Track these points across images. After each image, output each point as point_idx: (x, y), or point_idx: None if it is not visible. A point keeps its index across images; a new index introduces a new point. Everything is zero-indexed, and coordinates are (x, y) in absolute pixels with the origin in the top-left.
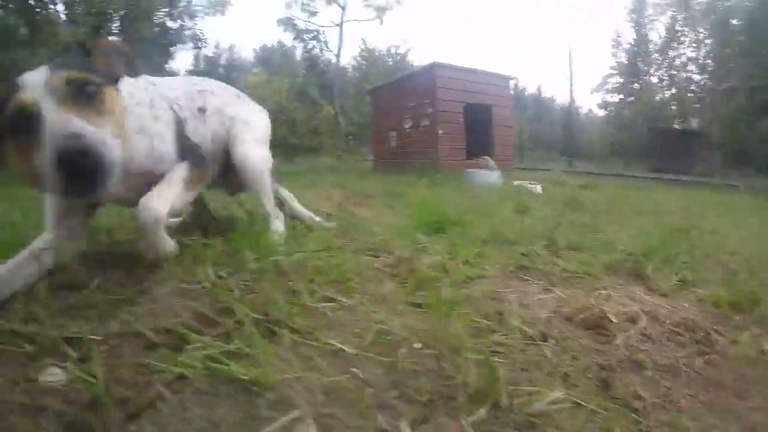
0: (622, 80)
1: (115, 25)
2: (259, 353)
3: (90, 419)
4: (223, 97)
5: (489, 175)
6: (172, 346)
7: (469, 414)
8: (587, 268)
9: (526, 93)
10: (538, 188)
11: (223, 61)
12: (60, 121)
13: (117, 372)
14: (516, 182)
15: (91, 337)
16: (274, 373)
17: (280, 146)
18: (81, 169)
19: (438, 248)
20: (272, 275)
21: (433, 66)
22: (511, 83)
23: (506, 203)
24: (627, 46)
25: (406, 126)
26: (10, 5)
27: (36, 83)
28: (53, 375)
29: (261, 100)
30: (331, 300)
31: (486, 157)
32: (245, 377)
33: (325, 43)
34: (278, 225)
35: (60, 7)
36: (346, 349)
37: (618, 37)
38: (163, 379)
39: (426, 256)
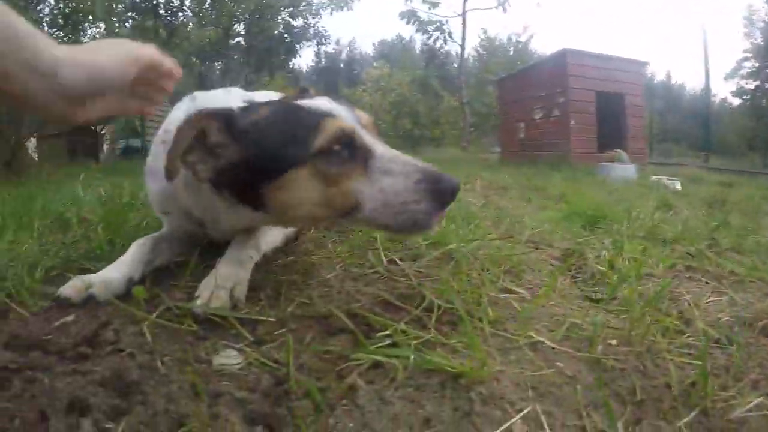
0: (758, 64)
1: (241, 25)
2: (457, 343)
3: (276, 408)
4: None
5: (626, 169)
6: (356, 333)
7: (679, 417)
8: (756, 272)
9: (654, 80)
10: (677, 185)
11: (343, 56)
12: (408, 160)
13: (300, 357)
14: (653, 177)
15: (266, 318)
16: (481, 366)
17: (402, 137)
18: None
19: (602, 243)
20: (447, 263)
21: (564, 53)
22: (648, 69)
23: (647, 199)
24: (762, 25)
25: (536, 116)
26: (139, 16)
27: (349, 117)
28: (229, 357)
29: (384, 93)
30: (509, 291)
31: (618, 150)
32: (453, 369)
33: (449, 33)
34: None
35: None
36: (546, 342)
37: (751, 15)
38: (353, 368)
39: (590, 250)
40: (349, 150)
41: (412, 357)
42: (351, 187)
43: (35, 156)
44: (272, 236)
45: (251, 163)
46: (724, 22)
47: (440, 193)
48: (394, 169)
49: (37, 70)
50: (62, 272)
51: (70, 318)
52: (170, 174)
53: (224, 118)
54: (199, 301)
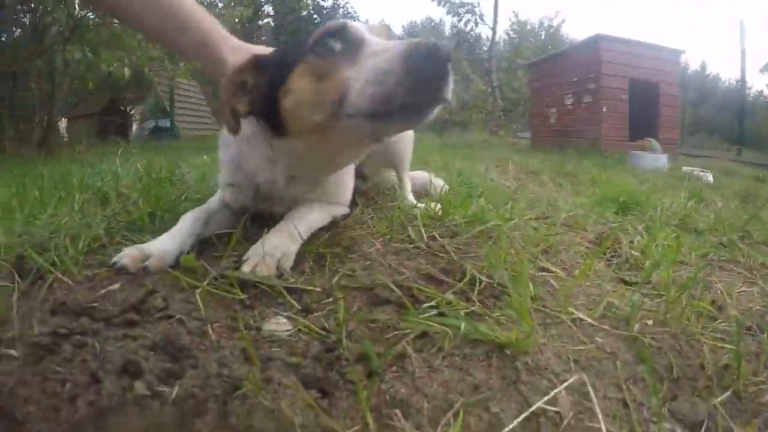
0: None
1: (271, 6)
2: (500, 316)
3: (328, 373)
4: None
5: (657, 159)
6: (401, 304)
7: (713, 396)
8: None
9: (688, 70)
10: (709, 177)
11: None
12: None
13: (347, 326)
14: (685, 168)
15: (312, 288)
16: (527, 337)
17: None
18: (441, 73)
19: (635, 229)
20: (485, 240)
21: (597, 38)
22: (683, 58)
23: (679, 190)
24: None
25: (567, 102)
26: None
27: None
28: (279, 324)
29: None
30: (546, 270)
31: (650, 139)
32: (499, 340)
33: (480, 15)
34: (412, 197)
35: None
36: (586, 319)
37: None
38: (401, 336)
39: (623, 235)
40: (342, 43)
41: (463, 326)
42: (340, 76)
43: (65, 136)
44: (321, 216)
45: (270, 81)
46: (762, 13)
47: (429, 63)
48: (380, 50)
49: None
50: (105, 243)
51: (115, 286)
52: (231, 126)
53: (253, 62)
54: (246, 267)
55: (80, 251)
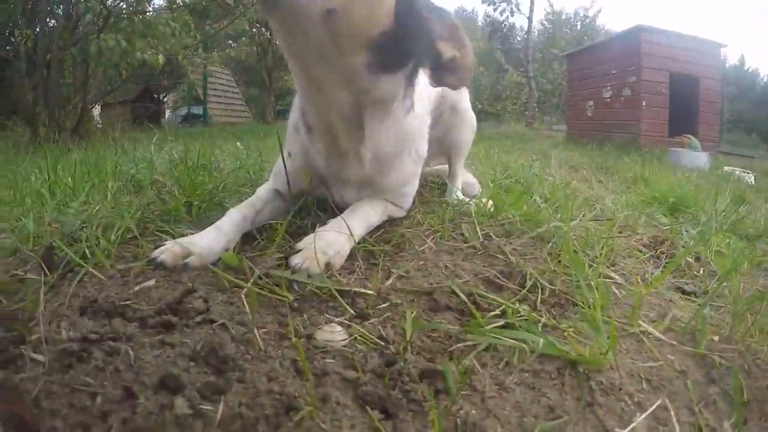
0: None
1: None
2: (569, 328)
3: (390, 391)
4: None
5: (698, 157)
6: (462, 311)
7: None
8: None
9: (727, 64)
10: (751, 178)
11: None
12: None
13: (406, 335)
14: (726, 168)
15: (366, 291)
16: (604, 353)
17: None
18: None
19: (688, 233)
20: (541, 242)
21: (638, 29)
22: (723, 52)
23: (722, 191)
24: None
25: (605, 95)
26: None
27: None
28: (334, 333)
29: None
30: (605, 276)
31: (690, 136)
32: (572, 356)
33: (517, 5)
34: (459, 193)
35: None
36: (653, 333)
37: None
38: (464, 349)
39: (678, 240)
40: None
41: (541, 342)
42: None
43: (99, 123)
44: (379, 215)
45: None
46: None
47: None
48: None
49: None
50: (138, 235)
51: (150, 283)
52: None
53: None
54: (298, 258)
55: (112, 243)
